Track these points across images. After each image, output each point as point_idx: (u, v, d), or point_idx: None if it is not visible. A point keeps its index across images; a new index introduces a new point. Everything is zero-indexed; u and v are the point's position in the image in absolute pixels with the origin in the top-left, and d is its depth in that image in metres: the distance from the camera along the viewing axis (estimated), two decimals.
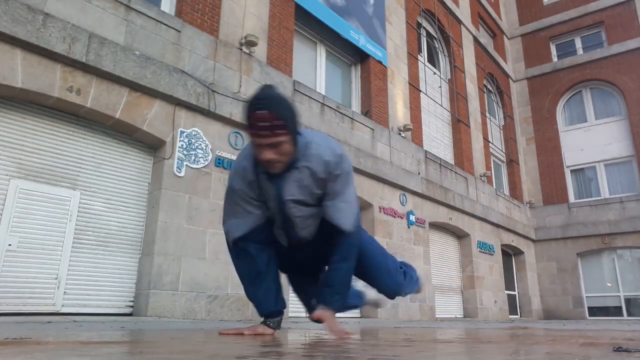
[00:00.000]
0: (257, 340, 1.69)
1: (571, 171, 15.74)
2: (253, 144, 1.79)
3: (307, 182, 1.89)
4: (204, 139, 6.06)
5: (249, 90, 6.77)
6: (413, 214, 9.69)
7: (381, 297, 2.48)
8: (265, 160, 1.78)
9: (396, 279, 2.34)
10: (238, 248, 2.07)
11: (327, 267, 2.03)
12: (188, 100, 5.86)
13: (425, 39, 12.65)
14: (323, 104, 8.15)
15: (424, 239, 9.87)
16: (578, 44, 16.76)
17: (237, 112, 6.43)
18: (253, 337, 1.89)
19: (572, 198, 15.45)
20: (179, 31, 6.03)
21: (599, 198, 14.96)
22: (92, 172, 5.26)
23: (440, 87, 12.66)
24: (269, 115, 1.69)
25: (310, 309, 2.24)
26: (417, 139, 10.68)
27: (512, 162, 15.66)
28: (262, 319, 2.10)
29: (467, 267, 11.66)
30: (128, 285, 5.28)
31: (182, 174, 5.70)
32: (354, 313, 8.25)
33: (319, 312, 1.95)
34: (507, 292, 13.35)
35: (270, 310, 2.09)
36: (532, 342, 1.82)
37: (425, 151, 10.74)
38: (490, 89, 15.96)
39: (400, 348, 1.48)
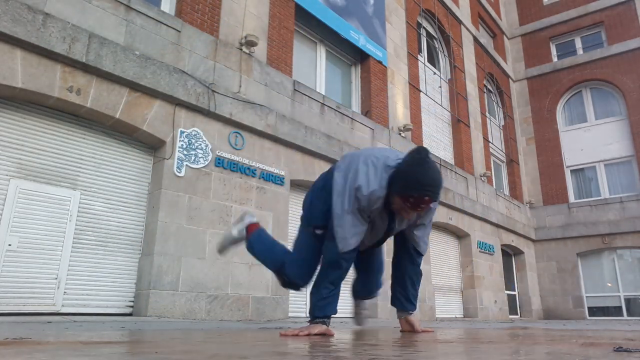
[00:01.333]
0: (257, 340, 1.69)
1: (571, 171, 15.74)
2: (402, 208, 2.13)
3: (415, 219, 2.40)
4: (204, 139, 6.06)
5: (249, 90, 6.77)
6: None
7: None
8: (407, 219, 2.28)
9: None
10: (351, 255, 2.32)
11: (408, 278, 2.59)
12: (188, 100, 5.86)
13: (425, 39, 12.65)
14: (323, 104, 8.15)
15: None
16: (578, 44, 16.76)
17: (237, 112, 6.43)
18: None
19: (572, 198, 15.45)
20: (179, 31, 6.03)
21: (599, 198, 14.96)
22: (92, 172, 5.26)
23: (440, 87, 12.66)
24: (430, 201, 2.08)
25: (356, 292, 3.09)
26: (417, 139, 10.68)
27: (512, 162, 15.66)
28: (318, 320, 2.30)
29: (467, 267, 11.66)
30: (128, 285, 5.28)
31: (182, 174, 5.70)
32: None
33: (416, 318, 2.62)
34: (507, 292, 13.35)
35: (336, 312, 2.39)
36: (532, 342, 1.82)
37: None
38: (490, 89, 15.96)
39: (400, 348, 1.48)
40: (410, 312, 2.61)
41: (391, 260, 2.70)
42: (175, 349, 1.33)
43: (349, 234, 2.21)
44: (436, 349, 1.48)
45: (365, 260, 2.77)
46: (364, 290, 3.05)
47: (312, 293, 2.36)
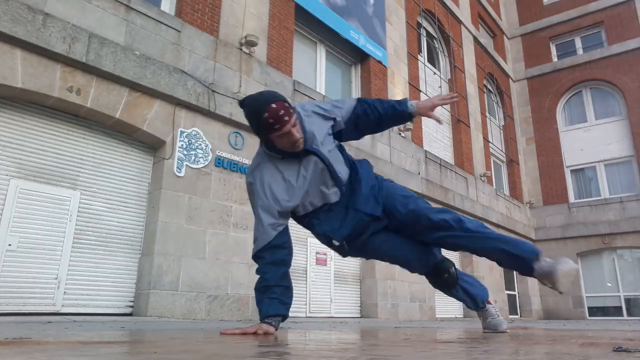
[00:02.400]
0: (257, 340, 1.69)
1: (571, 171, 15.74)
2: (279, 141, 1.97)
3: (317, 136, 2.11)
4: (204, 139, 6.06)
5: (249, 90, 6.77)
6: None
7: None
8: (297, 140, 1.98)
9: None
10: (267, 255, 2.12)
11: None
12: (188, 100, 5.86)
13: (425, 39, 12.65)
14: None
15: None
16: (578, 44, 16.76)
17: (237, 112, 6.43)
18: (256, 337, 1.89)
19: (572, 198, 15.45)
20: (179, 31, 6.03)
21: (599, 198, 14.96)
22: (92, 172, 5.26)
23: (440, 87, 12.66)
24: (279, 104, 1.91)
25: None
26: (417, 139, 10.68)
27: (512, 162, 15.66)
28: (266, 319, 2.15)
29: (467, 267, 11.65)
30: (128, 285, 5.28)
31: (182, 174, 5.70)
32: (354, 313, 8.26)
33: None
34: (507, 292, 13.35)
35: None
36: (532, 342, 1.82)
37: (425, 151, 10.73)
38: (490, 89, 15.96)
39: (400, 348, 1.48)
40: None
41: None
42: (175, 349, 1.33)
43: (256, 234, 2.11)
44: (436, 349, 1.48)
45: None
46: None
47: None
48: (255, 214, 2.11)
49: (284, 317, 2.17)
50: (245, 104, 2.00)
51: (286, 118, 1.91)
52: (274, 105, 1.90)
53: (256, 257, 2.11)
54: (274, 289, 2.08)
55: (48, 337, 1.71)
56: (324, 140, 2.12)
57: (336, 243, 2.18)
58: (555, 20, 17.07)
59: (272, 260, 2.07)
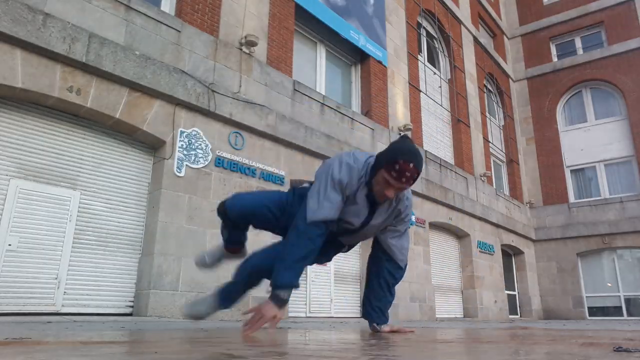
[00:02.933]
0: (257, 340, 1.69)
1: (571, 171, 15.74)
2: (385, 182, 2.11)
3: (392, 217, 2.35)
4: (204, 139, 6.06)
5: (249, 90, 6.77)
6: (413, 214, 9.69)
7: None
8: (387, 198, 2.17)
9: None
10: (321, 230, 2.18)
11: (384, 291, 2.53)
12: (188, 100, 5.86)
13: (425, 39, 12.65)
14: (323, 104, 8.15)
15: (424, 239, 9.87)
16: (578, 44, 16.76)
17: (237, 112, 6.43)
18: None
19: (572, 198, 15.44)
20: (179, 31, 6.03)
21: (599, 198, 14.96)
22: (92, 172, 5.26)
23: (440, 87, 12.66)
24: (418, 173, 2.08)
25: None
26: (417, 139, 10.68)
27: (512, 162, 15.66)
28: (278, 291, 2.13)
29: (467, 267, 11.66)
30: (128, 285, 5.28)
31: (182, 174, 5.70)
32: (354, 313, 8.25)
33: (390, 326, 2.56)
34: (507, 292, 13.35)
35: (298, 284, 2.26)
36: (532, 342, 1.82)
37: (425, 151, 10.73)
38: (490, 89, 15.96)
39: (400, 348, 1.48)
40: (384, 324, 2.56)
41: (366, 267, 2.65)
42: (175, 349, 1.33)
43: (319, 204, 2.15)
44: (436, 349, 1.48)
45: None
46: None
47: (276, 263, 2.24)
48: (327, 188, 2.18)
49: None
50: (404, 138, 2.19)
51: (410, 183, 2.11)
52: (417, 169, 2.07)
53: (314, 225, 2.15)
54: (306, 262, 2.18)
55: (48, 337, 1.71)
56: (385, 220, 2.36)
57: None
58: (555, 20, 17.06)
59: (322, 237, 2.19)
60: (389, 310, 2.60)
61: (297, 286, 2.13)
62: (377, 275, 2.53)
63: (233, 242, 2.65)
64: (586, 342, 1.72)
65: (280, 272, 2.10)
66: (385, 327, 2.54)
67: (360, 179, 2.19)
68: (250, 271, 2.43)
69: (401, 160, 2.03)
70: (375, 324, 2.55)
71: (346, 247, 2.59)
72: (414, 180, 2.09)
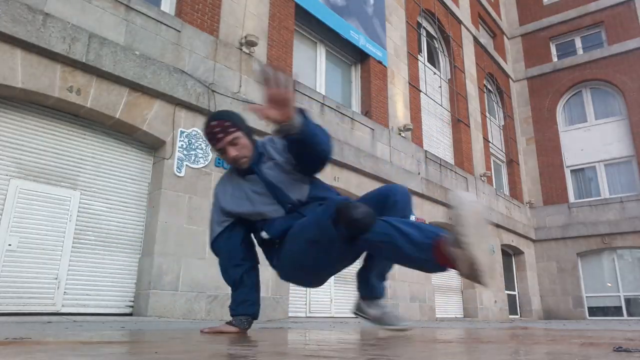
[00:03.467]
0: (257, 340, 1.69)
1: (571, 171, 15.74)
2: (220, 152, 2.17)
3: (276, 166, 2.17)
4: (204, 139, 6.05)
5: (249, 90, 6.77)
6: (413, 214, 9.68)
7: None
8: (232, 158, 2.13)
9: None
10: (222, 253, 2.30)
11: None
12: (188, 100, 5.86)
13: (425, 39, 12.65)
14: (323, 104, 8.15)
15: None
16: (578, 44, 16.76)
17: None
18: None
19: (572, 198, 15.44)
20: (179, 31, 6.03)
21: (599, 198, 14.96)
22: (92, 172, 5.26)
23: (440, 87, 12.66)
24: (218, 122, 2.10)
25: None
26: (417, 139, 10.68)
27: (512, 162, 15.66)
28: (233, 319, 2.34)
29: None
30: (128, 285, 5.28)
31: (182, 174, 5.70)
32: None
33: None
34: (507, 292, 13.35)
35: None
36: (532, 342, 1.82)
37: (425, 151, 10.74)
38: (490, 89, 15.96)
39: (401, 348, 1.48)
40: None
41: None
42: (175, 349, 1.33)
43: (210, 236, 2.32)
44: (436, 349, 1.48)
45: None
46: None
47: None
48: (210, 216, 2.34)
49: (254, 316, 2.30)
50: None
51: (220, 135, 2.09)
52: (213, 123, 2.11)
53: (213, 250, 2.32)
54: (239, 289, 2.25)
55: (48, 337, 1.71)
56: (282, 164, 2.15)
57: (265, 236, 2.15)
58: (555, 20, 17.07)
59: (228, 257, 2.25)
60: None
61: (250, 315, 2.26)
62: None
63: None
64: (586, 342, 1.72)
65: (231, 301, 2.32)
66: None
67: (230, 176, 2.32)
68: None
69: (205, 127, 2.15)
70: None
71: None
72: (225, 129, 2.09)
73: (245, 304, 2.26)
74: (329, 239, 1.82)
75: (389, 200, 2.01)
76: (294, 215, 2.06)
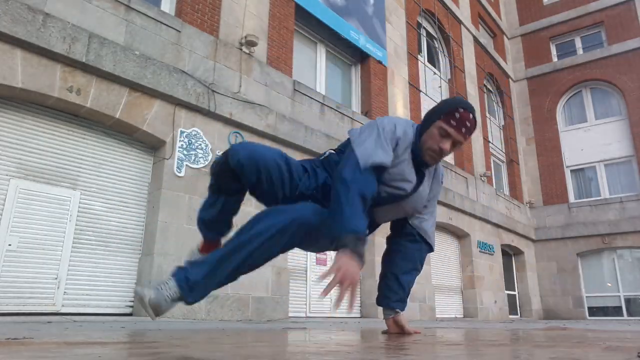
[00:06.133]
0: (258, 340, 1.68)
1: (571, 171, 15.73)
2: (442, 134, 1.92)
3: (434, 185, 2.19)
4: (204, 139, 6.06)
5: (249, 90, 6.77)
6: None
7: None
8: (440, 151, 1.95)
9: None
10: (375, 178, 1.86)
11: (404, 271, 2.23)
12: (188, 100, 5.86)
13: (425, 39, 12.65)
14: (323, 104, 8.15)
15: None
16: (578, 44, 16.76)
17: (237, 112, 6.43)
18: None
19: (572, 198, 15.44)
20: (179, 31, 6.03)
21: (599, 198, 14.95)
22: (92, 172, 5.25)
23: (440, 87, 12.65)
24: (475, 123, 1.97)
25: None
26: None
27: (512, 162, 15.66)
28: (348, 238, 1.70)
29: (467, 267, 11.65)
30: (128, 285, 5.28)
31: (182, 174, 5.70)
32: (354, 313, 8.25)
33: (405, 318, 2.25)
34: (507, 292, 13.35)
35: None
36: (532, 344, 1.81)
37: None
38: (490, 89, 15.95)
39: (401, 348, 1.48)
40: (400, 311, 2.25)
41: (385, 250, 2.32)
42: (175, 349, 1.33)
43: (374, 148, 1.86)
44: (438, 352, 1.48)
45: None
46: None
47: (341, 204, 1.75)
48: (377, 138, 1.91)
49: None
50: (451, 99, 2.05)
51: (468, 135, 1.97)
52: (474, 119, 1.96)
53: (369, 170, 1.83)
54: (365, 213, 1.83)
55: (48, 337, 1.70)
56: (428, 194, 2.20)
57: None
58: (555, 20, 17.06)
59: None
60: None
61: (366, 235, 1.76)
62: (404, 255, 2.23)
63: (217, 230, 2.14)
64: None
65: (345, 218, 1.68)
66: (402, 317, 2.23)
67: (408, 138, 1.99)
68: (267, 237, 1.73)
69: (462, 109, 1.91)
70: (393, 311, 2.23)
71: (372, 228, 2.16)
72: (471, 134, 1.98)
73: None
74: None
75: None
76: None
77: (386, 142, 1.91)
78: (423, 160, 2.01)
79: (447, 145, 1.93)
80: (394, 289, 2.22)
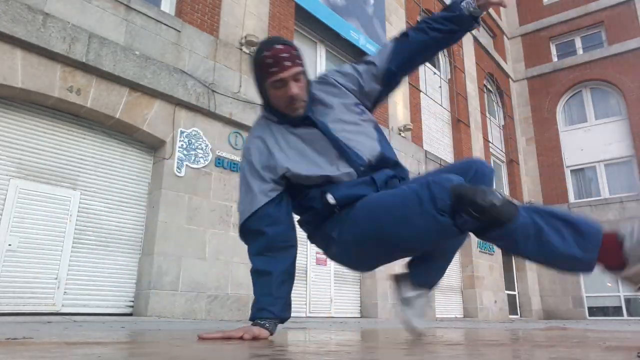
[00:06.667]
0: (259, 341, 1.68)
1: (571, 171, 15.74)
2: (277, 86, 1.66)
3: (338, 114, 1.76)
4: (204, 139, 6.06)
5: (249, 90, 6.77)
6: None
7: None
8: (292, 96, 1.66)
9: None
10: (250, 230, 1.73)
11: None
12: (188, 100, 5.86)
13: None
14: None
15: None
16: (578, 44, 16.76)
17: (237, 112, 6.43)
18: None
19: (572, 198, 15.44)
20: (179, 31, 6.03)
21: (599, 198, 14.96)
22: (92, 172, 5.25)
23: (440, 87, 12.66)
24: (285, 47, 1.65)
25: None
26: (417, 139, 10.68)
27: (512, 162, 15.66)
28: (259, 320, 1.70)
29: (467, 267, 11.65)
30: (128, 285, 5.28)
31: (182, 174, 5.70)
32: (354, 313, 8.25)
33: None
34: (507, 292, 13.35)
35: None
36: (532, 345, 1.81)
37: (426, 151, 10.74)
38: (490, 89, 15.96)
39: (402, 349, 1.48)
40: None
41: None
42: (175, 349, 1.33)
43: (240, 200, 1.77)
44: (438, 352, 1.48)
45: None
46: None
47: None
48: (242, 183, 1.77)
49: (284, 319, 1.73)
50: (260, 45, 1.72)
51: (287, 63, 1.63)
52: (279, 47, 1.64)
53: (245, 231, 1.72)
54: (276, 283, 1.67)
55: (48, 337, 1.71)
56: (340, 111, 1.77)
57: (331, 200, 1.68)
58: (555, 20, 17.06)
59: (271, 236, 1.68)
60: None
61: (279, 317, 1.68)
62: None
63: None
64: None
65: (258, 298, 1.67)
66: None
67: (268, 126, 1.80)
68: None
69: (265, 52, 1.64)
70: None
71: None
72: (293, 58, 1.64)
73: (287, 302, 1.71)
74: (437, 229, 1.46)
75: (470, 171, 1.68)
76: (366, 179, 1.68)
77: (253, 180, 1.72)
78: (293, 118, 1.74)
79: (290, 90, 1.65)
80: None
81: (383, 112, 9.72)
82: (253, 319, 1.65)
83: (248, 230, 1.72)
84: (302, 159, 1.71)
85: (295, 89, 1.66)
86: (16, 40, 4.48)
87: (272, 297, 1.65)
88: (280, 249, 1.70)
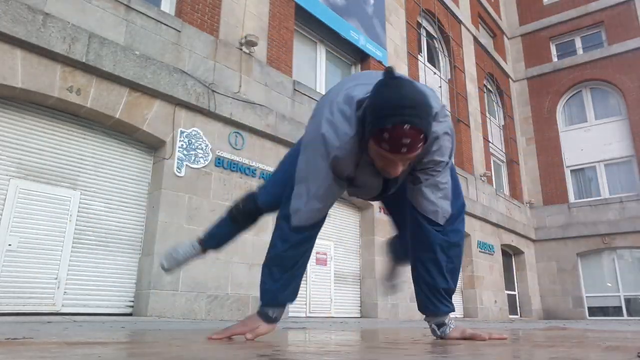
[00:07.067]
0: (258, 340, 1.68)
1: (571, 171, 15.73)
2: (382, 156, 1.48)
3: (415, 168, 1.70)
4: (204, 139, 6.06)
5: (249, 90, 6.77)
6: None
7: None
8: (392, 175, 1.54)
9: None
10: (310, 231, 1.74)
11: (430, 263, 1.98)
12: (188, 100, 5.86)
13: (425, 39, 12.65)
14: None
15: None
16: (578, 44, 16.76)
17: (237, 112, 6.43)
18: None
19: (572, 198, 15.44)
20: (179, 31, 6.03)
21: (599, 198, 14.95)
22: (92, 172, 5.25)
23: (440, 87, 12.65)
24: (412, 132, 1.39)
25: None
26: None
27: (512, 162, 15.66)
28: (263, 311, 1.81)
29: (467, 267, 11.65)
30: (128, 285, 5.28)
31: (182, 174, 5.70)
32: (354, 313, 8.25)
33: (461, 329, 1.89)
34: (507, 292, 13.34)
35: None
36: (532, 345, 1.81)
37: None
38: (490, 89, 15.95)
39: (402, 349, 1.48)
40: (445, 313, 1.89)
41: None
42: (175, 349, 1.33)
43: (307, 202, 1.66)
44: (438, 351, 1.48)
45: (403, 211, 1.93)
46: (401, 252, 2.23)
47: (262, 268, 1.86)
48: (314, 175, 1.65)
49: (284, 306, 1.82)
50: (389, 77, 1.47)
51: (403, 150, 1.42)
52: (406, 128, 1.38)
53: (297, 230, 1.70)
54: (297, 271, 1.75)
55: (48, 337, 1.70)
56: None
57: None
58: (555, 20, 17.06)
59: (309, 241, 1.76)
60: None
61: (285, 304, 1.78)
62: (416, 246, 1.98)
63: (221, 244, 2.24)
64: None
65: (265, 286, 1.80)
66: (454, 330, 1.85)
67: (350, 141, 1.57)
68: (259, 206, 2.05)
69: (389, 125, 1.38)
70: (437, 321, 1.90)
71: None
72: (420, 143, 1.43)
73: (295, 289, 1.81)
74: None
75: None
76: None
77: (325, 183, 1.65)
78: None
79: (395, 169, 1.50)
80: (431, 294, 1.97)
81: None
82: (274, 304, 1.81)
83: (300, 228, 1.71)
84: (361, 191, 1.84)
85: (399, 171, 1.52)
86: (16, 40, 4.48)
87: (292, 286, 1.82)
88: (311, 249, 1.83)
